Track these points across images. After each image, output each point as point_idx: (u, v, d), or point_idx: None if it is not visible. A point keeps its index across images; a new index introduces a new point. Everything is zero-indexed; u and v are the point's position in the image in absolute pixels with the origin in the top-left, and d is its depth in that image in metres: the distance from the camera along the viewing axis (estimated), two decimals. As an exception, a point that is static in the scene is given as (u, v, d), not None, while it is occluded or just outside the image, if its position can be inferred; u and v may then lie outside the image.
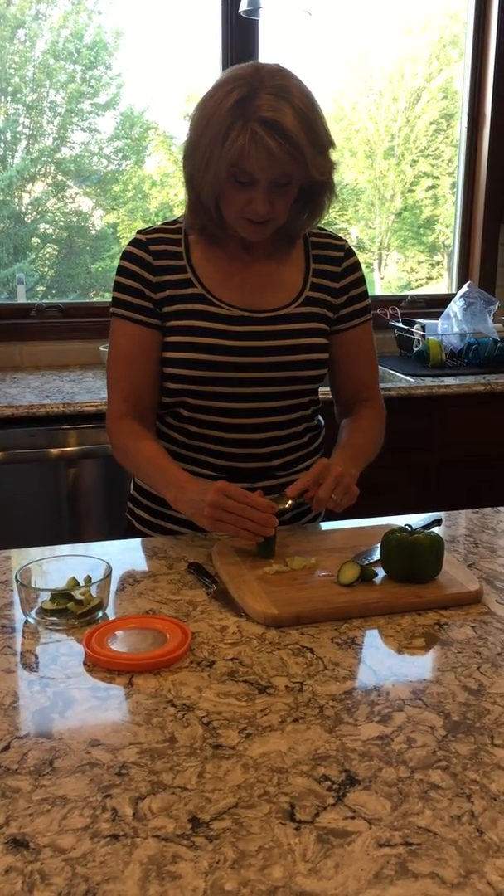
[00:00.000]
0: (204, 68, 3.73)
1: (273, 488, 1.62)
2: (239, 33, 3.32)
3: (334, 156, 1.48)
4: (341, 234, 1.69)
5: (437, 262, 4.67)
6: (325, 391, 1.69)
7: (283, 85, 1.38)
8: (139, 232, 1.60)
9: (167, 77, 3.71)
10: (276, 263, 1.60)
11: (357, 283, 1.66)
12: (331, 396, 1.75)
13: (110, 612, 1.26)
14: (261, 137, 1.36)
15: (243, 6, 3.03)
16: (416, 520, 1.60)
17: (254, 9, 3.02)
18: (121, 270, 1.59)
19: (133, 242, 1.59)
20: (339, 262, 1.64)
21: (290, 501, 1.43)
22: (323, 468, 1.44)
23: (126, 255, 1.59)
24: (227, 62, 3.36)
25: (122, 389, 1.61)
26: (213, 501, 1.37)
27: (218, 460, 1.61)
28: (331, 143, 1.46)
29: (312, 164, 1.41)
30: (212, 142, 1.39)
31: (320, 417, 1.75)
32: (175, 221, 1.62)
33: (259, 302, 1.57)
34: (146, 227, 1.63)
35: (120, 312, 1.59)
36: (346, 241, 1.68)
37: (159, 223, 1.63)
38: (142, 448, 1.56)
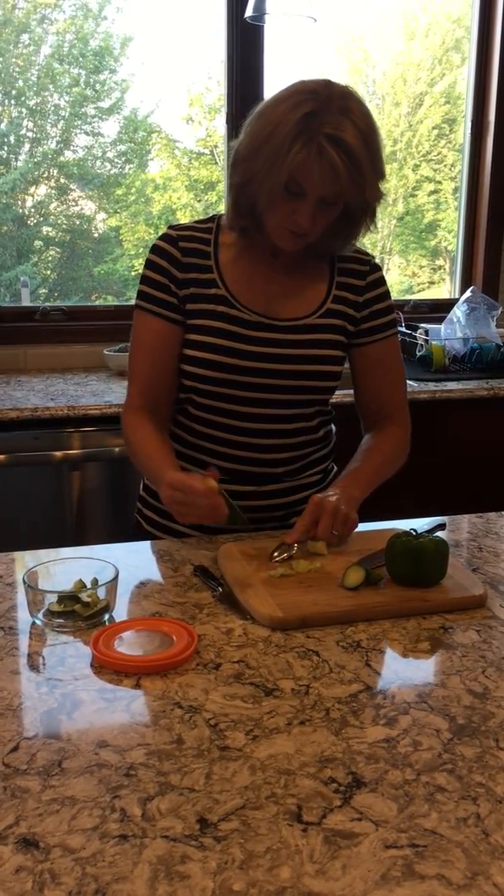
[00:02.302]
0: (209, 73, 3.75)
1: (279, 492, 1.64)
2: (244, 38, 3.33)
3: (382, 187, 1.48)
4: (365, 250, 1.69)
5: (440, 267, 4.68)
6: (340, 395, 1.69)
7: (349, 107, 1.39)
8: (170, 227, 1.61)
9: (171, 81, 3.72)
10: (302, 274, 1.61)
11: (381, 297, 1.66)
12: (347, 401, 1.75)
13: (117, 614, 1.27)
14: (327, 152, 1.36)
15: (248, 12, 3.05)
16: (420, 524, 1.61)
17: (259, 14, 3.03)
18: (149, 264, 1.60)
19: (163, 237, 1.60)
20: (364, 277, 1.64)
21: (295, 548, 1.43)
22: (316, 507, 1.45)
23: (155, 249, 1.60)
24: (232, 67, 3.37)
25: (140, 382, 1.63)
26: (168, 497, 1.41)
27: (222, 462, 1.62)
28: (384, 172, 1.46)
29: (369, 187, 1.42)
30: (275, 151, 1.39)
31: (333, 426, 1.75)
32: (207, 221, 1.63)
33: (280, 310, 1.58)
34: (178, 223, 1.64)
35: (145, 306, 1.60)
36: (373, 256, 1.68)
37: (190, 221, 1.64)
38: (143, 443, 1.58)
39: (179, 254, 1.58)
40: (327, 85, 1.41)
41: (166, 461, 1.52)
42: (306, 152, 1.37)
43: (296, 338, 1.57)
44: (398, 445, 1.69)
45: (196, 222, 1.63)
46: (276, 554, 1.42)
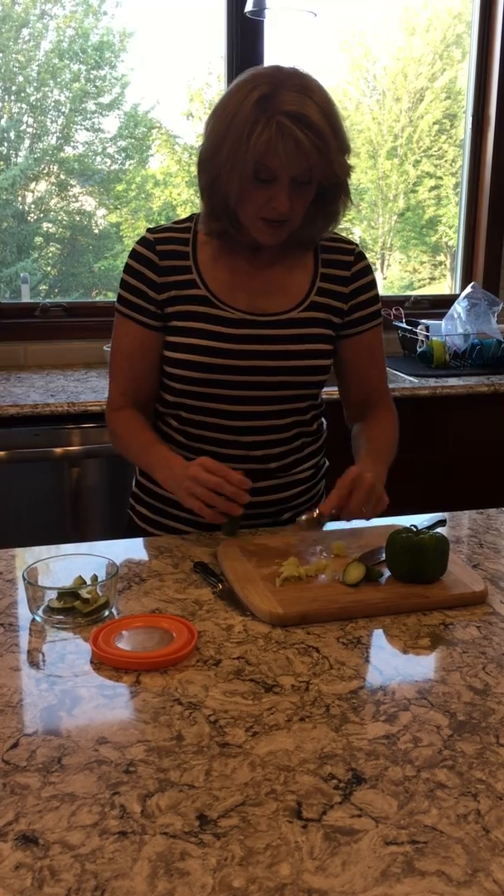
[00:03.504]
0: (209, 69, 3.74)
1: (272, 488, 1.63)
2: (244, 33, 3.32)
3: (350, 161, 1.48)
4: (344, 234, 1.68)
5: (440, 263, 4.68)
6: (330, 391, 1.69)
7: (304, 84, 1.39)
8: (148, 231, 1.60)
9: (172, 77, 3.72)
10: (284, 268, 1.59)
11: (367, 287, 1.65)
12: (336, 397, 1.75)
13: (116, 611, 1.27)
14: (289, 129, 1.36)
15: (249, 6, 3.04)
16: (420, 520, 1.61)
17: (259, 9, 3.02)
18: (127, 269, 1.60)
19: (141, 241, 1.59)
20: (349, 267, 1.63)
21: (317, 512, 1.43)
22: (354, 479, 1.42)
23: (133, 254, 1.59)
24: (232, 62, 3.36)
25: (120, 384, 1.65)
26: (193, 474, 1.42)
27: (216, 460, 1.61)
28: (349, 147, 1.46)
29: (336, 160, 1.41)
30: (237, 140, 1.39)
31: (323, 420, 1.75)
32: (185, 220, 1.62)
33: (264, 306, 1.56)
34: (156, 225, 1.63)
35: (123, 311, 1.61)
36: (357, 245, 1.66)
37: (168, 222, 1.63)
38: (135, 433, 1.61)
39: (157, 257, 1.57)
40: (277, 69, 1.42)
41: (164, 447, 1.55)
42: (268, 134, 1.36)
43: (281, 333, 1.56)
44: (394, 430, 1.69)
45: (174, 223, 1.62)
46: (303, 519, 1.43)
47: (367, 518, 1.46)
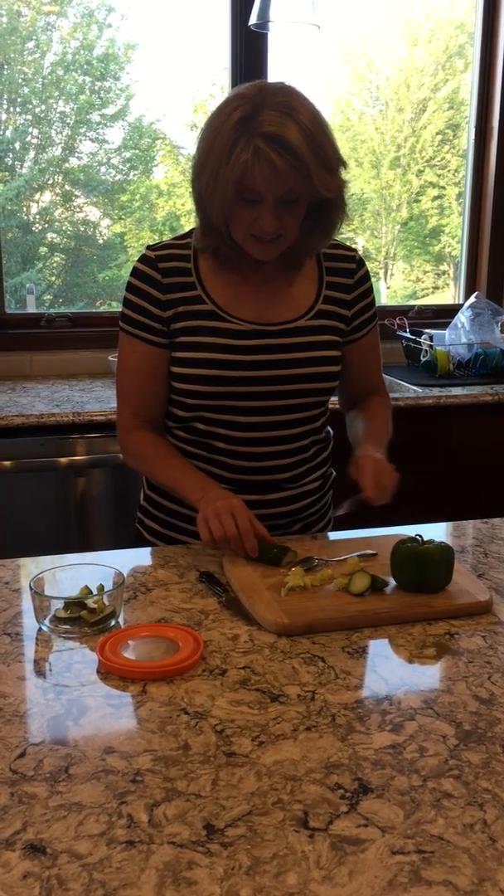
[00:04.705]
0: (213, 80, 3.76)
1: (282, 500, 1.63)
2: (248, 45, 3.34)
3: (345, 175, 1.48)
4: (348, 244, 1.70)
5: (443, 272, 4.69)
6: (334, 400, 1.70)
7: (287, 102, 1.39)
8: (148, 248, 1.60)
9: (176, 88, 3.73)
10: (288, 278, 1.60)
11: (368, 292, 1.68)
12: (338, 407, 1.76)
13: (122, 620, 1.27)
14: (264, 152, 1.36)
15: (253, 19, 3.06)
16: (425, 529, 1.60)
17: (263, 22, 3.04)
18: (130, 287, 1.59)
19: (142, 259, 1.59)
20: (353, 274, 1.64)
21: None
22: (374, 462, 1.52)
23: (135, 272, 1.59)
24: (235, 74, 3.38)
25: (132, 403, 1.64)
26: (219, 511, 1.42)
27: (228, 473, 1.61)
28: (340, 162, 1.46)
29: (318, 180, 1.40)
30: (217, 161, 1.40)
31: (329, 429, 1.76)
32: (185, 235, 1.61)
33: (271, 315, 1.57)
34: (155, 242, 1.63)
35: (128, 329, 1.60)
36: (357, 251, 1.68)
37: (169, 237, 1.63)
38: (163, 453, 1.60)
39: (160, 275, 1.56)
40: (260, 87, 1.42)
41: (201, 473, 1.57)
42: (245, 156, 1.37)
43: (291, 342, 1.56)
44: (388, 410, 1.76)
45: (174, 239, 1.62)
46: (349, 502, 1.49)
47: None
